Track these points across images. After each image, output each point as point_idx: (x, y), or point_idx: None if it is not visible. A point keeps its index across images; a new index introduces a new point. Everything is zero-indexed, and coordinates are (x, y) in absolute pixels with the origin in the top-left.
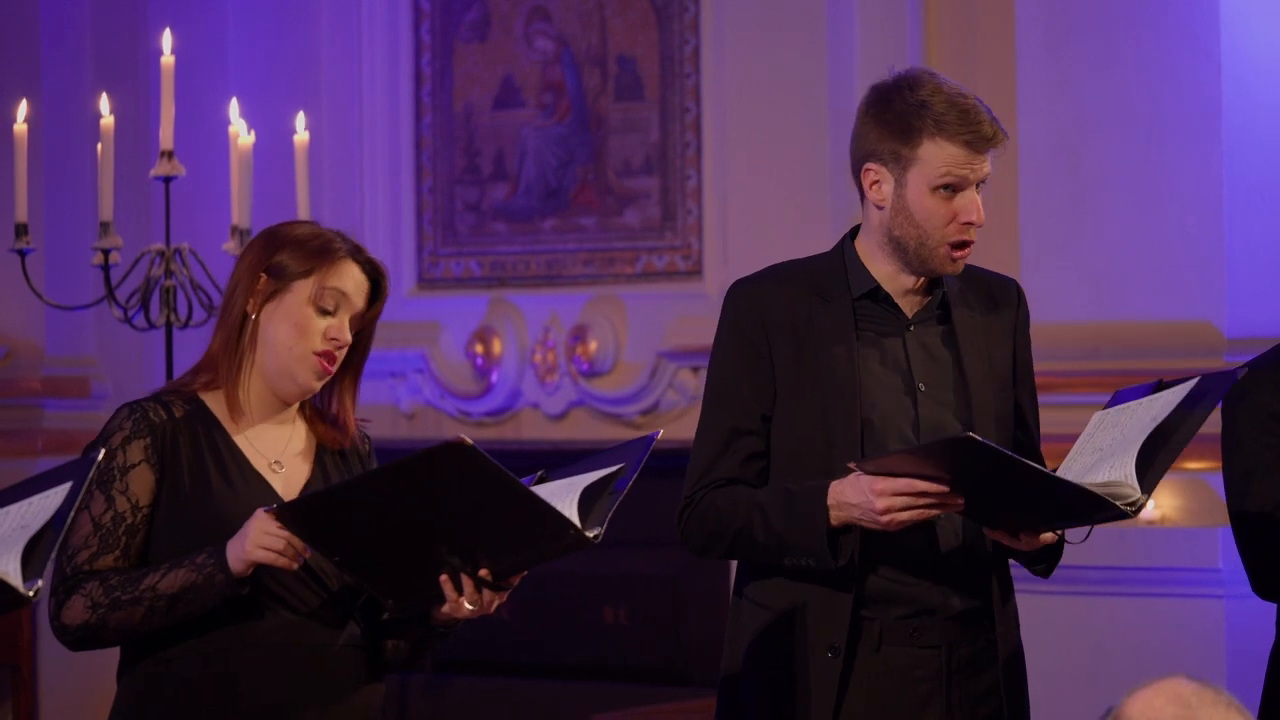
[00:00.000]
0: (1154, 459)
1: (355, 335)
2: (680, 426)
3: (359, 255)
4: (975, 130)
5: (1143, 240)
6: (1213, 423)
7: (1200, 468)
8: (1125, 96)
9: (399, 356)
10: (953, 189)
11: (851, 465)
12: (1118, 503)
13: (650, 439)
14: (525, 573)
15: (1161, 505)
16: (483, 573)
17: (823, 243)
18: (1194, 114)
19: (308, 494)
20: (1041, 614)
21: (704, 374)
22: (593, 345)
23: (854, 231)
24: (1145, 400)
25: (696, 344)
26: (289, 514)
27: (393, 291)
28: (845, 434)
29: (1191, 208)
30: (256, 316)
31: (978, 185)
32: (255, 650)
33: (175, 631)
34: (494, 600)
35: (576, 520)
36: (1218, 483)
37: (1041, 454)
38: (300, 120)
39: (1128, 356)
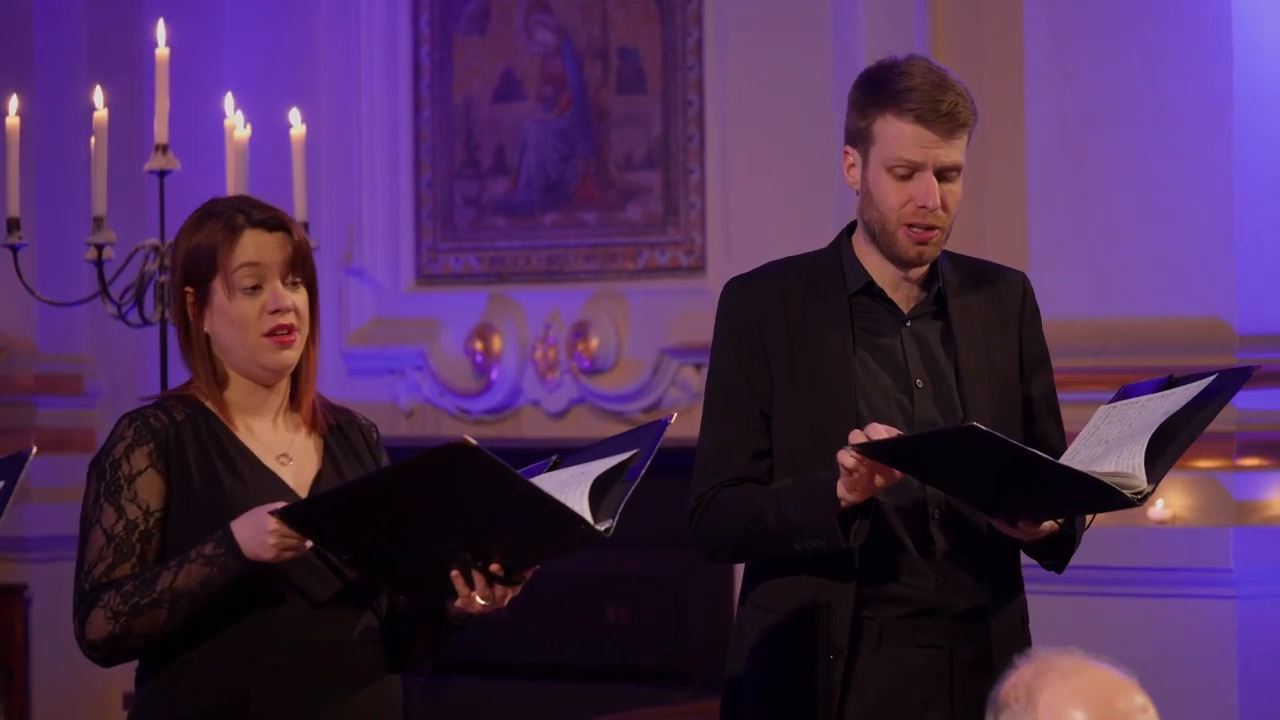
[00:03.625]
0: (1163, 452)
1: (304, 282)
2: (683, 424)
3: (255, 217)
4: (929, 106)
5: (1152, 235)
6: (1222, 421)
7: (1212, 466)
8: (1133, 90)
9: (397, 353)
10: (908, 171)
11: (845, 452)
12: (1125, 491)
13: (663, 424)
14: (538, 566)
15: (1172, 505)
16: (494, 568)
17: (826, 237)
18: (1204, 107)
19: (311, 496)
20: (1050, 615)
21: (706, 371)
22: (594, 342)
23: (851, 226)
24: (1156, 395)
25: (699, 340)
26: (295, 517)
27: (391, 288)
28: (840, 432)
29: (1202, 202)
30: (201, 328)
31: (948, 174)
32: (272, 650)
33: (191, 635)
34: (507, 594)
35: (588, 513)
36: (1229, 482)
37: (1065, 445)
38: (297, 114)
39: (1137, 353)
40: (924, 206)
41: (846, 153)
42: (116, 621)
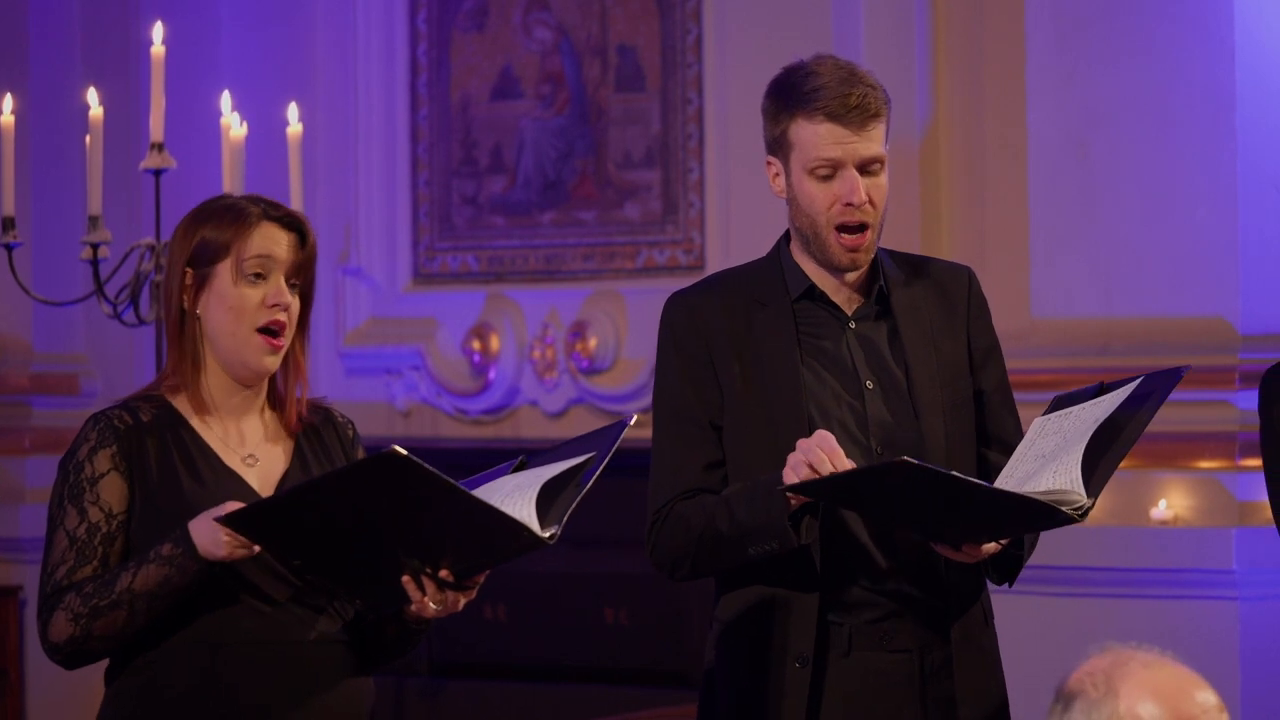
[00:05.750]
0: (1099, 461)
1: (301, 289)
2: None
3: (273, 213)
4: (839, 102)
5: (1155, 235)
6: (1224, 422)
7: (1214, 467)
8: (1136, 88)
9: (394, 353)
10: (830, 170)
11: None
12: (1064, 508)
13: (622, 425)
14: (489, 571)
15: (1174, 505)
16: (444, 574)
17: None
18: (1207, 105)
19: (251, 504)
20: (1052, 616)
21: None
22: (592, 342)
23: (788, 235)
24: (1089, 404)
25: None
26: (238, 523)
27: (389, 287)
28: (792, 438)
29: (1204, 201)
30: (194, 311)
31: (870, 168)
32: (236, 648)
33: (156, 635)
34: (460, 599)
35: (533, 520)
36: (1231, 482)
37: (1021, 436)
38: (294, 112)
39: (1139, 353)
40: (850, 204)
41: (769, 163)
42: (77, 624)
